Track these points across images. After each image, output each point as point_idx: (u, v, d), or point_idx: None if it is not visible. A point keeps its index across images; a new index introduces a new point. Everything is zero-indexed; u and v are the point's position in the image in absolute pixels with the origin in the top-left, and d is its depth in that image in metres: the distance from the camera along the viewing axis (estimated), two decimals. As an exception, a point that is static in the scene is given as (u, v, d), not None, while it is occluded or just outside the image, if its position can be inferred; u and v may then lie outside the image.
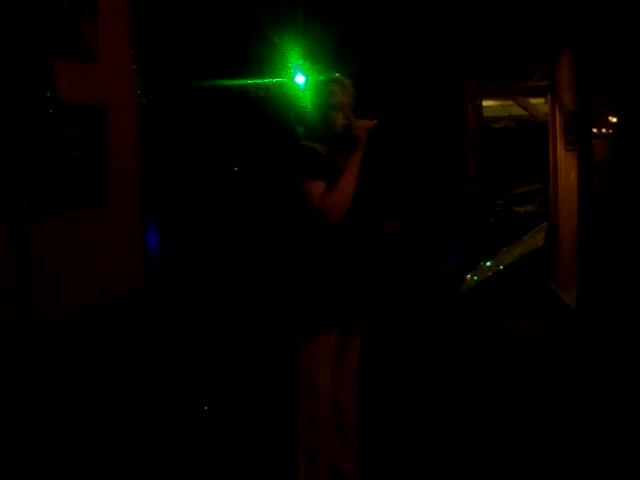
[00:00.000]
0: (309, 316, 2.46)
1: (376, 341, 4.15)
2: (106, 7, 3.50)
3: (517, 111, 9.40)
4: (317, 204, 2.34)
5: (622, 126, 5.25)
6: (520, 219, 7.77)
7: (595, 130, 5.45)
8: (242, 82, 4.49)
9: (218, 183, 5.18)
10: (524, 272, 5.10)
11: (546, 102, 7.29)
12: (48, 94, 2.26)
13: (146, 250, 3.82)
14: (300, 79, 5.24)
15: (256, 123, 5.17)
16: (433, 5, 5.33)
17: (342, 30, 5.03)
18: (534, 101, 8.22)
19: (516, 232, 6.36)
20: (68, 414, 3.02)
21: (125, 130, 3.64)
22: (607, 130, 5.49)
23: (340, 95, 2.50)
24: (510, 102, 8.65)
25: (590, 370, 4.04)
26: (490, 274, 4.33)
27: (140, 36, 3.80)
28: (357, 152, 2.44)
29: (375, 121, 2.47)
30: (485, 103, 7.75)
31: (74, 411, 3.07)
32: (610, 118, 5.49)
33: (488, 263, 4.58)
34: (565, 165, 6.29)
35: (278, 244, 2.68)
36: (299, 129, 2.58)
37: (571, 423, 3.29)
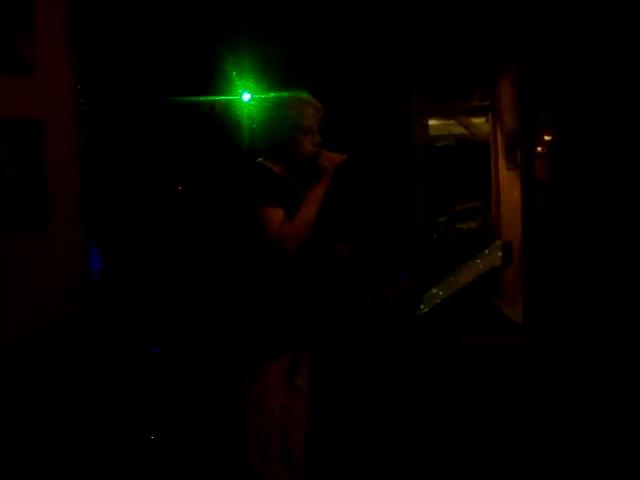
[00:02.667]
0: (258, 343, 2.36)
1: (331, 362, 4.10)
2: (43, 17, 3.32)
3: (458, 130, 9.60)
4: (275, 233, 2.21)
5: (561, 145, 5.40)
6: (463, 235, 7.90)
7: (537, 149, 5.60)
8: (190, 98, 4.37)
9: (162, 203, 5.02)
10: (477, 291, 5.15)
11: (487, 121, 7.47)
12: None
13: (88, 272, 3.62)
14: (247, 97, 5.18)
15: (205, 140, 5.05)
16: (381, 25, 5.37)
17: (289, 50, 5.00)
18: (475, 120, 8.42)
19: (461, 249, 6.45)
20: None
21: (65, 147, 3.46)
22: (547, 149, 5.64)
23: (312, 118, 2.38)
24: (452, 121, 8.82)
25: (539, 382, 4.10)
26: (448, 294, 4.34)
27: (81, 48, 3.63)
28: (322, 184, 2.30)
29: (345, 156, 2.35)
30: (430, 122, 7.88)
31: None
32: (550, 137, 5.66)
33: (444, 283, 4.60)
34: (507, 183, 6.44)
35: (227, 269, 2.55)
36: (261, 147, 2.45)
37: (523, 430, 3.35)
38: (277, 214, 2.23)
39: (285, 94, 2.42)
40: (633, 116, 4.66)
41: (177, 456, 3.16)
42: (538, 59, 5.40)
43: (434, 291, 4.53)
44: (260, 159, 2.46)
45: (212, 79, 4.96)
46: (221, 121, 5.05)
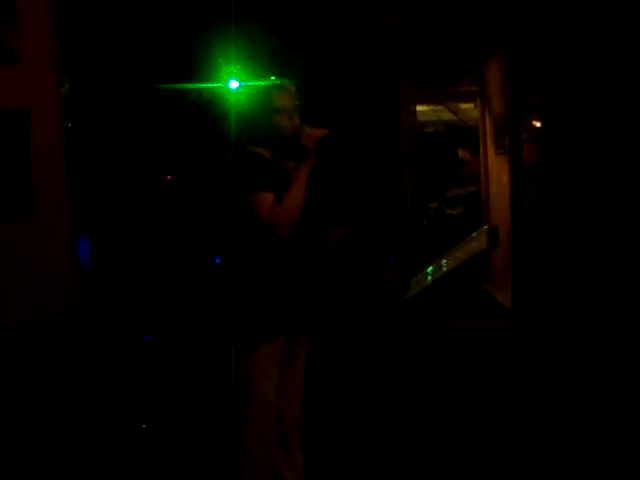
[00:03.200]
0: (252, 326, 2.38)
1: (323, 347, 4.12)
2: (26, 6, 3.29)
3: (447, 116, 9.59)
4: (266, 217, 2.26)
5: (549, 130, 5.41)
6: (453, 221, 7.91)
7: (525, 134, 5.61)
8: (176, 86, 4.35)
9: (150, 191, 5.01)
10: (465, 275, 5.17)
11: (475, 107, 7.47)
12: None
13: (77, 261, 3.62)
14: (234, 84, 5.15)
15: (192, 129, 5.04)
16: (367, 11, 5.35)
17: (277, 35, 4.98)
18: (464, 106, 8.41)
19: (450, 234, 6.47)
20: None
21: (51, 135, 3.44)
22: (536, 134, 5.66)
23: (282, 98, 2.41)
24: (440, 107, 8.81)
25: (527, 365, 4.13)
26: (435, 278, 4.36)
27: (65, 36, 3.60)
28: (307, 163, 2.36)
29: (326, 130, 2.37)
30: (418, 108, 7.88)
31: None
32: (538, 122, 5.67)
33: (431, 268, 4.61)
34: (496, 168, 6.45)
35: (221, 254, 2.57)
36: (243, 135, 2.47)
37: (510, 415, 3.36)
38: (267, 198, 2.27)
39: (259, 80, 2.47)
40: (621, 100, 4.67)
41: (172, 442, 3.18)
42: (526, 44, 5.39)
43: (421, 276, 4.55)
44: (249, 146, 2.46)
45: (199, 67, 4.93)
46: (208, 109, 5.04)
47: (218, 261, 2.83)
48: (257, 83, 2.49)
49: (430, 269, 4.64)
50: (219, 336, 2.61)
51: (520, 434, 3.16)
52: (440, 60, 6.37)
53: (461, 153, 8.16)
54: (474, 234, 5.23)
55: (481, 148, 6.91)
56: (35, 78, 3.30)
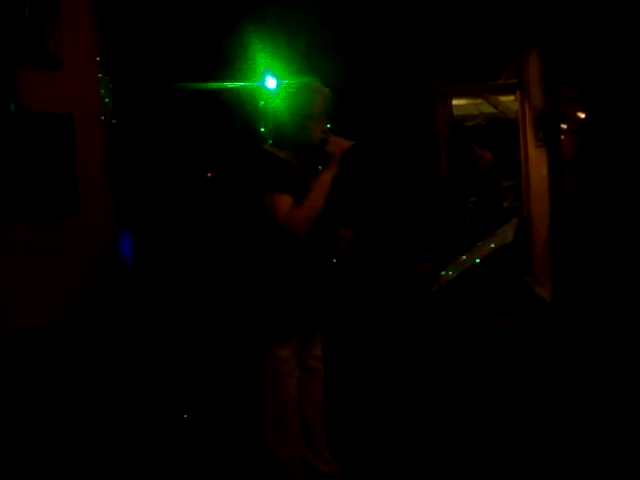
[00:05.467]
0: (263, 329, 2.41)
1: (352, 340, 4.15)
2: (70, 12, 3.43)
3: (488, 109, 9.50)
4: (283, 219, 2.26)
5: (589, 122, 5.33)
6: (495, 215, 7.83)
7: (564, 126, 5.53)
8: (214, 85, 4.46)
9: (192, 190, 5.12)
10: (497, 268, 5.13)
11: (515, 99, 7.38)
12: (11, 106, 2.19)
13: (120, 259, 3.76)
14: (271, 83, 5.23)
15: (230, 128, 5.13)
16: (402, 6, 5.35)
17: (310, 33, 5.03)
18: (504, 99, 8.32)
19: (491, 228, 6.42)
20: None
21: (94, 137, 3.58)
22: (575, 126, 5.57)
23: (321, 105, 2.41)
24: (480, 100, 8.74)
25: (568, 361, 4.08)
26: (461, 271, 4.35)
27: (107, 42, 3.74)
28: (329, 171, 2.35)
29: (353, 142, 2.38)
30: (457, 102, 7.83)
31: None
32: (578, 114, 5.58)
33: (459, 260, 4.61)
34: (536, 161, 6.37)
35: (237, 255, 2.59)
36: (271, 135, 2.46)
37: (553, 415, 3.32)
38: (286, 200, 2.27)
39: (294, 81, 2.45)
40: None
41: (190, 442, 3.25)
42: (565, 35, 5.32)
43: (447, 270, 4.55)
44: (267, 146, 2.47)
45: (235, 66, 5.02)
46: (244, 108, 5.11)
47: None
48: (295, 84, 2.42)
49: (456, 263, 4.62)
50: (235, 338, 2.65)
51: (554, 432, 3.14)
52: (478, 54, 6.33)
53: (476, 149, 8.09)
54: (502, 228, 5.19)
55: (521, 140, 6.84)
56: (78, 83, 3.44)
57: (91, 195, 3.48)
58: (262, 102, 2.56)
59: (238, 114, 4.83)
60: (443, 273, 4.55)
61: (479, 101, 8.67)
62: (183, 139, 4.82)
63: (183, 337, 4.05)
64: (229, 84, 4.96)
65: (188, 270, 4.42)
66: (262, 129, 2.52)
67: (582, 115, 5.47)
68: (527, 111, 6.63)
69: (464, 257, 4.59)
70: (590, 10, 5.05)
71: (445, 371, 4.04)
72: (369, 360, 4.27)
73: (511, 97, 7.91)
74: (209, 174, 5.70)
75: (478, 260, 4.38)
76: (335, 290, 2.53)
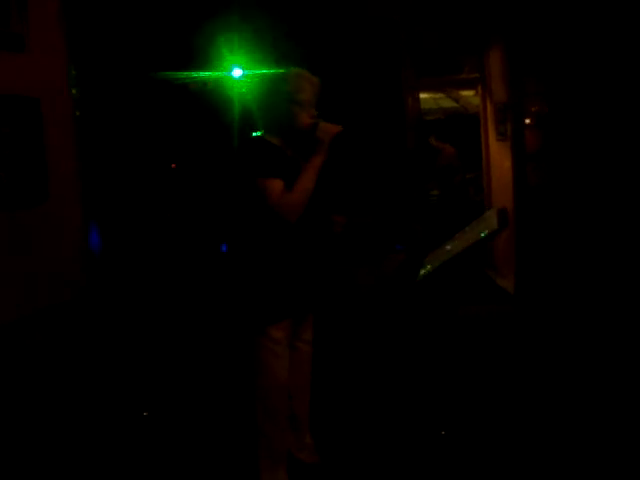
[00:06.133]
0: (258, 309, 2.46)
1: (333, 330, 4.15)
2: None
3: (447, 103, 9.61)
4: (275, 203, 2.32)
5: (551, 116, 5.44)
6: (462, 207, 7.90)
7: (527, 120, 5.64)
8: (184, 74, 4.38)
9: (157, 179, 5.03)
10: (475, 256, 5.21)
11: (476, 94, 7.49)
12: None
13: (88, 249, 3.65)
14: (238, 72, 5.17)
15: (197, 117, 5.05)
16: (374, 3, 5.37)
17: (282, 22, 4.98)
18: (465, 93, 8.43)
19: (458, 220, 6.50)
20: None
21: (62, 123, 3.47)
22: (537, 120, 5.69)
23: (309, 93, 2.47)
24: (440, 95, 8.83)
25: (530, 352, 4.16)
26: (446, 260, 4.40)
27: (73, 25, 3.61)
28: (319, 155, 2.40)
29: (341, 127, 2.44)
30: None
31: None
32: (539, 109, 5.70)
33: (440, 251, 4.65)
34: (497, 155, 6.48)
35: (228, 239, 2.63)
36: (260, 121, 2.53)
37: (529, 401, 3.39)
38: (277, 185, 2.33)
39: (282, 69, 2.52)
40: (623, 87, 4.70)
41: (184, 427, 3.22)
42: (527, 30, 5.42)
43: (431, 257, 4.59)
44: (259, 133, 2.53)
45: (204, 55, 4.94)
46: (213, 97, 5.05)
47: (224, 248, 2.86)
48: (274, 71, 2.52)
49: (440, 251, 4.67)
50: (228, 320, 2.66)
51: (523, 421, 3.20)
52: (442, 47, 6.38)
53: (434, 142, 7.88)
54: (483, 216, 5.26)
55: (482, 135, 6.94)
56: (44, 67, 3.32)
57: (61, 182, 3.37)
58: (247, 91, 2.60)
59: (208, 104, 4.76)
60: (427, 260, 4.59)
61: (439, 95, 8.77)
62: (150, 128, 4.73)
63: (159, 324, 3.99)
64: (197, 73, 4.88)
65: (156, 258, 4.35)
66: (253, 117, 2.57)
67: (544, 109, 5.58)
68: (488, 105, 6.73)
69: (447, 246, 4.64)
70: (551, 5, 5.15)
71: (426, 361, 4.07)
72: (352, 348, 4.28)
73: (472, 92, 8.02)
74: (173, 165, 5.61)
75: (463, 247, 4.43)
76: (328, 273, 2.56)
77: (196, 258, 4.31)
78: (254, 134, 2.53)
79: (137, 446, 3.01)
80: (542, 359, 4.00)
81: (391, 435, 3.12)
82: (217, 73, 5.08)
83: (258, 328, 2.46)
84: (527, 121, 5.68)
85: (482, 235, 4.49)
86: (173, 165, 5.62)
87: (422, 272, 4.42)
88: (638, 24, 4.53)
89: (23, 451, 2.88)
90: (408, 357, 4.15)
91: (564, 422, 3.09)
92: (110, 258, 3.85)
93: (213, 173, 4.30)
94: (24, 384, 3.00)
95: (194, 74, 5.00)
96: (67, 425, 3.09)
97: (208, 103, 5.05)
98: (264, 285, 2.44)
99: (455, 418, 3.23)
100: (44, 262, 3.26)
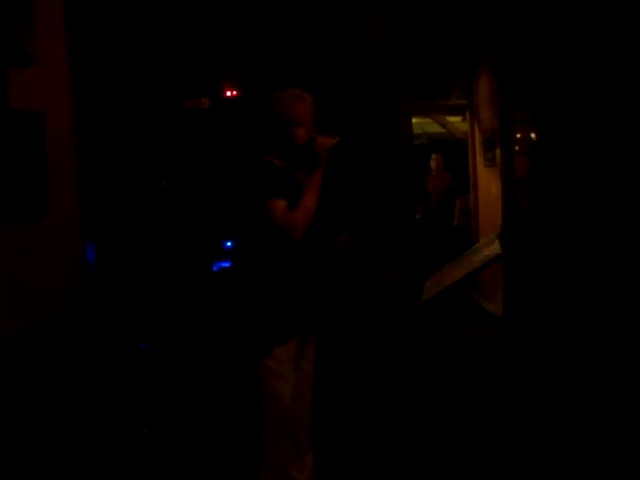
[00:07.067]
0: (264, 329, 2.45)
1: (330, 350, 4.15)
2: (42, 8, 3.31)
3: (432, 128, 9.75)
4: (280, 222, 2.35)
5: (539, 143, 5.56)
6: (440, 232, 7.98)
7: (516, 147, 5.75)
8: (182, 94, 4.41)
9: (150, 197, 5.02)
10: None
11: (464, 120, 7.63)
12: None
13: (85, 264, 3.62)
14: (232, 94, 5.20)
15: (192, 137, 5.07)
16: (366, 23, 5.45)
17: (279, 43, 5.04)
18: (451, 119, 8.57)
19: (444, 244, 6.57)
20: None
21: (64, 139, 3.45)
22: (525, 147, 5.80)
23: (301, 110, 2.49)
24: (427, 120, 8.96)
25: (518, 374, 4.20)
26: (448, 285, 4.45)
27: (77, 41, 3.62)
28: (318, 170, 2.44)
29: (337, 138, 2.47)
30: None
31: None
32: (528, 135, 5.82)
33: (444, 271, 4.70)
34: (485, 180, 6.59)
35: (233, 259, 2.63)
36: (260, 144, 2.56)
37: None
38: (281, 204, 2.36)
39: (277, 91, 2.53)
40: (613, 111, 4.81)
41: (185, 446, 3.18)
42: (515, 57, 5.54)
43: (434, 282, 4.63)
44: (264, 154, 2.54)
45: (200, 77, 4.98)
46: (208, 118, 5.08)
47: (228, 264, 2.85)
48: (279, 95, 2.50)
49: (441, 275, 4.72)
50: (233, 340, 2.65)
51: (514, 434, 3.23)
52: (431, 73, 6.50)
53: (433, 162, 7.63)
54: (482, 241, 5.33)
55: (470, 160, 7.06)
56: (50, 81, 3.31)
57: (59, 198, 3.34)
58: (244, 116, 2.66)
59: (206, 123, 4.78)
60: (429, 285, 4.63)
61: (426, 120, 8.89)
62: (148, 146, 4.74)
63: (140, 346, 3.96)
64: (198, 93, 4.91)
65: (149, 275, 4.34)
66: (254, 138, 2.60)
67: (532, 136, 5.70)
68: (477, 131, 6.86)
69: (449, 270, 4.69)
70: (540, 33, 5.28)
71: (422, 381, 4.11)
72: (351, 370, 4.29)
73: (459, 118, 8.16)
74: (164, 183, 5.61)
75: (466, 273, 4.49)
76: (332, 291, 2.58)
77: (189, 275, 4.29)
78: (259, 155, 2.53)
79: (135, 464, 2.97)
80: (530, 382, 4.05)
81: (392, 454, 3.12)
82: (213, 94, 5.12)
83: (264, 348, 2.45)
84: (516, 148, 5.80)
85: (486, 260, 4.55)
86: (164, 183, 5.61)
87: (425, 296, 4.47)
88: (628, 51, 4.67)
89: (20, 464, 2.82)
90: (405, 378, 4.16)
91: (550, 442, 3.14)
92: (107, 273, 3.82)
93: (211, 193, 4.30)
94: (23, 397, 2.95)
95: (193, 94, 5.02)
96: (64, 438, 3.04)
97: (204, 123, 5.07)
98: (270, 304, 2.44)
99: (447, 440, 3.25)
100: (41, 277, 3.23)
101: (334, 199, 2.67)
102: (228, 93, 5.19)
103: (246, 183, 2.46)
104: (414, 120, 8.84)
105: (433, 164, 7.59)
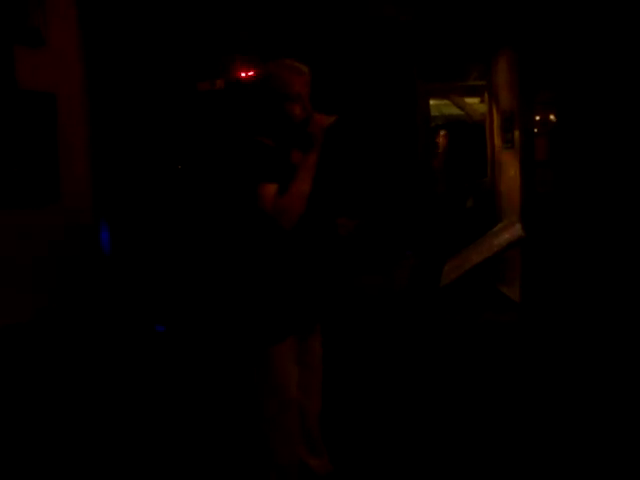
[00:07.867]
0: (260, 328, 2.31)
1: (340, 339, 4.11)
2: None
3: (448, 110, 9.58)
4: (270, 209, 2.13)
5: (560, 125, 5.45)
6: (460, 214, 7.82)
7: (535, 129, 5.65)
8: (193, 75, 4.34)
9: (164, 181, 4.98)
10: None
11: (482, 101, 7.48)
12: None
13: (99, 248, 3.60)
14: (246, 71, 5.13)
15: (204, 118, 5.01)
16: (383, 4, 5.36)
17: (300, 28, 4.95)
18: (469, 100, 8.40)
19: (461, 226, 6.47)
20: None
21: (76, 121, 3.41)
22: (544, 129, 5.70)
23: (296, 84, 2.24)
24: (444, 101, 8.80)
25: (534, 360, 4.14)
26: (468, 269, 4.37)
27: (89, 20, 3.57)
28: (312, 152, 2.21)
29: (335, 116, 2.22)
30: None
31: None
32: (547, 117, 5.71)
33: (464, 256, 4.62)
34: (504, 162, 6.48)
35: (226, 249, 2.48)
36: (251, 123, 2.34)
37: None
38: (271, 189, 2.15)
39: (271, 63, 2.28)
40: (632, 91, 4.71)
41: (189, 445, 3.15)
42: (536, 38, 5.43)
43: (453, 265, 4.56)
44: (255, 135, 2.32)
45: (213, 58, 4.91)
46: (221, 99, 5.01)
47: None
48: (272, 66, 2.26)
49: (461, 258, 4.64)
50: (232, 339, 2.56)
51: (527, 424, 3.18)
52: (449, 53, 6.37)
53: (441, 138, 7.15)
54: (501, 224, 5.25)
55: (488, 142, 6.93)
56: (61, 62, 3.27)
57: (72, 181, 3.31)
58: (242, 90, 2.46)
59: (217, 104, 4.72)
60: (447, 268, 4.56)
61: (444, 102, 8.72)
62: (161, 129, 4.69)
63: (156, 327, 3.94)
64: (206, 74, 4.84)
65: (164, 260, 4.31)
66: (243, 118, 2.42)
67: (552, 118, 5.59)
68: (495, 114, 6.73)
69: (469, 254, 4.61)
70: (561, 14, 5.16)
71: (437, 367, 4.05)
72: (362, 356, 4.24)
73: (477, 99, 8.01)
74: (179, 166, 5.56)
75: (486, 256, 4.41)
76: (332, 281, 2.42)
77: (197, 266, 4.23)
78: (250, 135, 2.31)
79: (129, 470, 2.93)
80: (548, 368, 3.99)
81: (405, 444, 3.09)
82: (226, 74, 5.04)
83: (262, 347, 2.31)
84: (535, 130, 5.69)
85: (507, 243, 4.46)
86: (179, 167, 5.56)
87: (444, 280, 4.39)
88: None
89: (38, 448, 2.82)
90: (422, 365, 4.11)
91: (565, 429, 3.10)
92: (121, 256, 3.80)
93: (210, 177, 4.22)
94: (41, 381, 2.95)
95: (205, 74, 4.96)
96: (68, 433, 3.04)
97: (215, 105, 5.01)
98: (264, 302, 2.28)
99: (466, 427, 3.22)
100: (54, 261, 3.21)
101: (333, 182, 2.47)
102: (243, 74, 5.10)
103: (234, 166, 2.23)
104: (431, 102, 8.70)
105: (441, 141, 7.30)
